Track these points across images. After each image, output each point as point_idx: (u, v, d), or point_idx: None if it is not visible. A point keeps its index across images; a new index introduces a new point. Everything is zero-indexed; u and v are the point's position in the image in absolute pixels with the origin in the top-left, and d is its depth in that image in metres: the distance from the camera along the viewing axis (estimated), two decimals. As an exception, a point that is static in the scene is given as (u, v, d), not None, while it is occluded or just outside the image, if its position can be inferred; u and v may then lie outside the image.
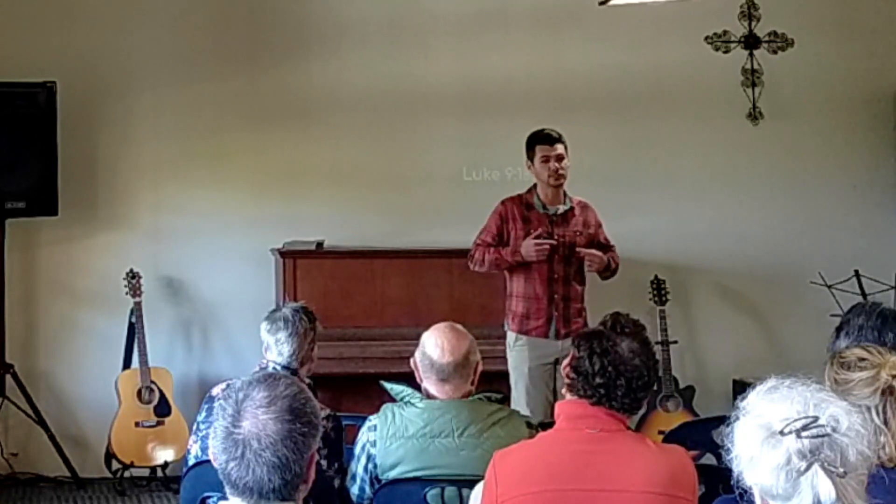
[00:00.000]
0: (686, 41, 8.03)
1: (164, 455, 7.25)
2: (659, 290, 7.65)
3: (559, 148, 6.46)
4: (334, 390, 6.58)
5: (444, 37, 7.88)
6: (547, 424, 3.91)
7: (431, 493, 3.91)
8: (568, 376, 3.38)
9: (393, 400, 4.15)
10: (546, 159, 6.44)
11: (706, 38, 8.07)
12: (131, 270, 7.38)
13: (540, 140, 6.50)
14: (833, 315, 6.72)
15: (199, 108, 7.71)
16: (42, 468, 7.43)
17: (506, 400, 4.20)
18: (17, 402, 7.27)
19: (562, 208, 6.52)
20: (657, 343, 7.55)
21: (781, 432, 2.18)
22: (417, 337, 4.24)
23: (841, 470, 2.15)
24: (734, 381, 7.63)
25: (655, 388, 7.53)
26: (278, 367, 4.36)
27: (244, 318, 7.23)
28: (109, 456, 7.30)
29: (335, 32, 7.80)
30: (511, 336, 6.49)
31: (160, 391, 7.30)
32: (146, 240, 7.67)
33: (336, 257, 7.51)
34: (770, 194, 8.08)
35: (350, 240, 7.67)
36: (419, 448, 3.99)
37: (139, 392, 7.28)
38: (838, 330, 3.67)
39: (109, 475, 7.34)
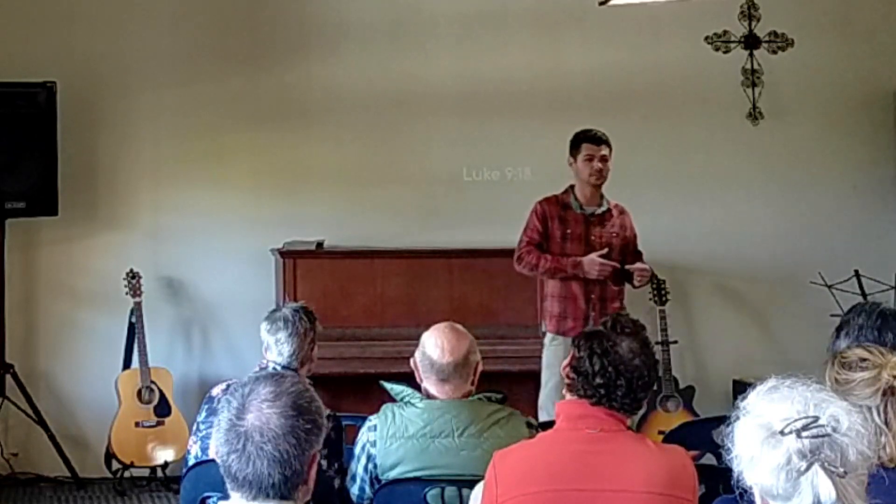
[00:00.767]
0: (686, 41, 8.03)
1: (164, 455, 7.26)
2: (659, 290, 7.65)
3: (604, 149, 6.51)
4: (334, 390, 6.57)
5: (444, 37, 7.88)
6: (547, 424, 3.91)
7: (431, 494, 3.91)
8: (568, 376, 3.38)
9: (393, 400, 4.15)
10: (590, 158, 6.47)
11: (706, 38, 8.08)
12: (131, 270, 7.38)
13: (588, 139, 6.53)
14: (833, 315, 6.72)
15: (198, 108, 7.71)
16: (42, 468, 7.43)
17: (506, 400, 4.19)
18: (17, 402, 7.27)
19: (599, 209, 6.53)
20: (657, 343, 7.55)
21: (782, 432, 2.18)
22: (417, 337, 4.24)
23: (841, 470, 2.15)
24: (734, 381, 7.63)
25: (655, 387, 7.54)
26: (278, 367, 4.36)
27: (244, 318, 7.23)
28: (109, 456, 7.30)
29: (335, 32, 7.81)
30: (548, 336, 6.50)
31: (160, 391, 7.30)
32: (146, 240, 7.67)
33: (336, 257, 7.51)
34: (770, 194, 8.09)
35: (350, 240, 7.67)
36: (419, 448, 3.99)
37: (139, 392, 7.28)
38: (838, 330, 3.67)
39: (109, 475, 7.34)
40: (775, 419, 2.20)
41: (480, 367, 4.21)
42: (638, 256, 6.63)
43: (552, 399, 6.25)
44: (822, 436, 2.16)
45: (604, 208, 6.56)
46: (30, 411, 7.26)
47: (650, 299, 7.68)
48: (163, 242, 7.69)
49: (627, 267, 6.44)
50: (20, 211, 7.21)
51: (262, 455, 2.45)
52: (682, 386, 7.62)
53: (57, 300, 7.61)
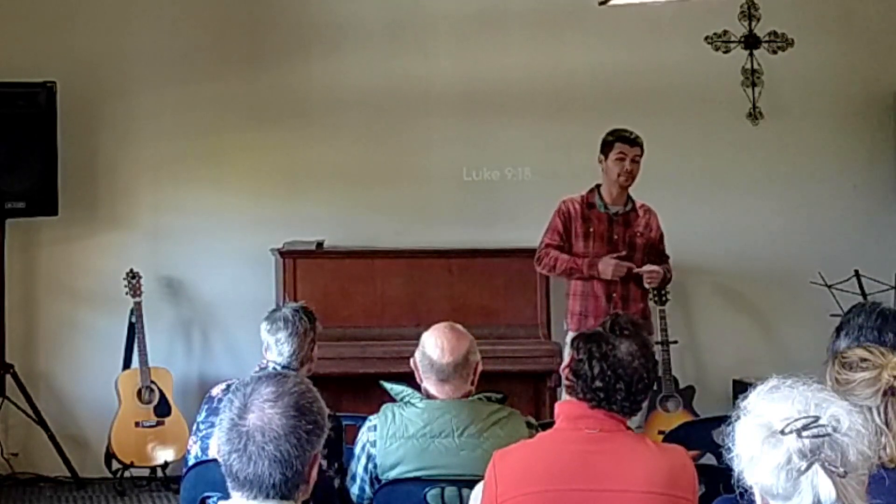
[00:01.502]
0: (686, 41, 8.03)
1: (164, 455, 7.25)
2: (659, 290, 7.64)
3: (637, 151, 6.51)
4: (334, 390, 6.56)
5: (444, 37, 7.88)
6: (547, 424, 3.91)
7: (431, 493, 3.91)
8: (567, 378, 3.38)
9: (393, 400, 4.15)
10: (622, 157, 6.48)
11: (706, 38, 8.08)
12: (131, 270, 7.38)
13: (621, 138, 6.53)
14: (833, 315, 6.72)
15: (199, 108, 7.71)
16: (42, 468, 7.43)
17: (506, 400, 4.19)
18: (17, 402, 7.27)
19: (624, 209, 6.53)
20: (657, 343, 7.55)
21: (782, 432, 2.18)
22: (417, 337, 4.25)
23: (841, 470, 2.15)
24: (734, 381, 7.63)
25: (655, 387, 7.55)
26: (278, 367, 4.35)
27: (244, 318, 7.22)
28: (109, 456, 7.30)
29: (335, 32, 7.80)
30: (570, 335, 6.50)
31: (160, 391, 7.30)
32: (146, 240, 7.67)
33: (336, 257, 7.51)
34: (770, 194, 8.08)
35: (350, 240, 7.67)
36: (419, 448, 3.99)
37: (139, 392, 7.28)
38: (838, 330, 3.67)
39: (109, 475, 7.33)
40: (776, 419, 2.20)
41: (480, 367, 4.21)
42: (663, 258, 6.63)
43: None
44: (823, 435, 2.16)
45: (629, 207, 6.56)
46: (30, 411, 7.26)
47: (650, 299, 7.68)
48: (163, 242, 7.69)
49: (636, 270, 6.44)
50: (20, 211, 7.21)
51: (264, 455, 2.45)
52: (682, 386, 7.62)
53: (57, 300, 7.61)
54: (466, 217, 7.76)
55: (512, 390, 6.44)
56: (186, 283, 7.71)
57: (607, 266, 6.38)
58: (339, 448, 4.27)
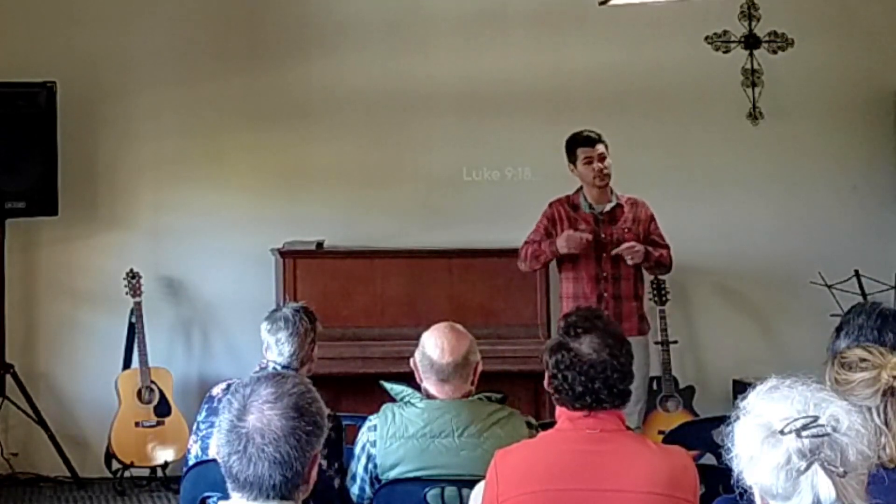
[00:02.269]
0: (686, 41, 8.03)
1: (164, 455, 7.26)
2: (659, 290, 7.65)
3: (600, 148, 6.50)
4: (334, 390, 6.57)
5: (444, 37, 7.88)
6: (547, 424, 3.91)
7: (431, 493, 3.91)
8: (552, 395, 3.39)
9: (393, 400, 4.15)
10: (589, 160, 6.47)
11: (706, 38, 8.08)
12: (131, 270, 7.38)
13: (580, 143, 6.52)
14: (833, 315, 6.72)
15: (199, 107, 7.71)
16: (42, 468, 7.43)
17: (506, 400, 4.19)
18: (17, 402, 7.27)
19: (608, 206, 6.53)
20: (657, 343, 7.55)
21: (781, 432, 2.18)
22: (417, 337, 4.24)
23: (841, 469, 2.15)
24: (734, 381, 7.63)
25: (655, 387, 7.56)
26: (278, 367, 4.35)
27: (244, 318, 7.23)
28: (109, 456, 7.30)
29: (335, 32, 7.80)
30: None
31: (160, 391, 7.30)
32: (146, 240, 7.67)
33: (336, 257, 7.51)
34: (770, 194, 8.08)
35: (350, 240, 7.67)
36: (419, 448, 3.99)
37: (139, 392, 7.28)
38: (838, 330, 3.67)
39: (109, 475, 7.33)
40: (775, 419, 2.20)
41: (480, 367, 4.21)
42: (660, 245, 6.56)
43: None
44: (822, 435, 2.16)
45: (612, 204, 6.55)
46: (30, 411, 7.26)
47: (650, 299, 7.68)
48: (163, 242, 7.69)
49: (614, 251, 6.42)
50: (20, 211, 7.22)
51: (264, 457, 2.45)
52: (682, 386, 7.62)
53: (57, 300, 7.61)
54: (466, 217, 7.76)
55: (512, 390, 6.44)
56: (186, 283, 7.71)
57: (569, 240, 6.36)
58: (339, 448, 4.27)
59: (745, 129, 8.10)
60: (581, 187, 6.58)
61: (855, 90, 8.16)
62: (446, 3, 7.89)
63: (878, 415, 2.78)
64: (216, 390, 4.37)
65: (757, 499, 2.25)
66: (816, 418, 2.18)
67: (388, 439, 4.00)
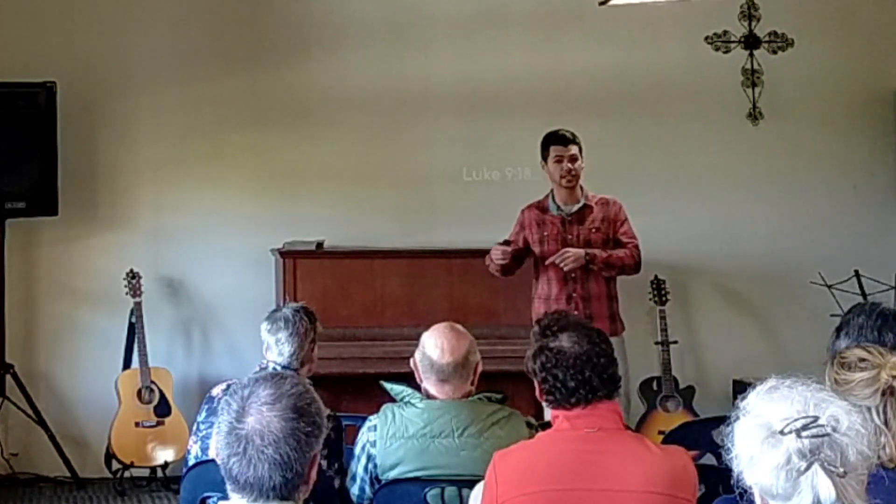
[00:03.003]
0: (686, 41, 8.03)
1: (164, 455, 7.26)
2: (659, 290, 7.65)
3: (573, 149, 6.50)
4: (334, 390, 6.57)
5: (444, 37, 7.88)
6: (547, 424, 3.91)
7: (431, 494, 3.91)
8: (546, 401, 3.40)
9: (393, 400, 4.15)
10: (559, 159, 6.49)
11: (706, 38, 8.07)
12: (131, 270, 7.38)
13: (554, 140, 6.54)
14: (833, 315, 6.72)
15: (198, 108, 7.71)
16: (42, 468, 7.43)
17: (506, 400, 4.19)
18: (17, 402, 7.27)
19: (574, 207, 6.53)
20: (657, 343, 7.56)
21: (781, 432, 2.18)
22: (417, 337, 4.25)
23: (841, 470, 2.15)
24: (734, 381, 7.63)
25: (655, 387, 7.56)
26: (278, 368, 4.35)
27: (244, 318, 7.23)
28: (109, 456, 7.30)
29: (335, 32, 7.80)
30: None
31: (160, 391, 7.30)
32: (146, 240, 7.67)
33: (336, 257, 7.51)
34: (770, 194, 8.08)
35: (350, 240, 7.67)
36: (419, 448, 3.99)
37: (139, 392, 7.28)
38: (838, 330, 3.67)
39: (109, 475, 7.33)
40: (775, 419, 2.20)
41: (480, 368, 4.21)
42: (625, 245, 6.53)
43: None
44: (822, 435, 2.16)
45: (580, 205, 6.55)
46: (30, 411, 7.26)
47: (650, 299, 7.68)
48: (163, 242, 7.69)
49: (548, 261, 6.44)
50: (20, 211, 7.21)
51: (263, 458, 2.44)
52: (682, 386, 7.61)
53: (57, 300, 7.61)
54: (466, 217, 7.75)
55: (512, 390, 6.43)
56: (186, 283, 7.71)
57: (494, 252, 6.47)
58: (339, 448, 4.27)
59: (745, 129, 8.10)
60: (551, 190, 6.60)
61: (855, 90, 8.16)
62: (446, 3, 7.89)
63: (878, 415, 2.78)
64: (216, 390, 4.37)
65: (757, 499, 2.25)
66: (816, 418, 2.18)
67: (388, 439, 4.00)
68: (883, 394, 2.80)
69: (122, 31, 7.62)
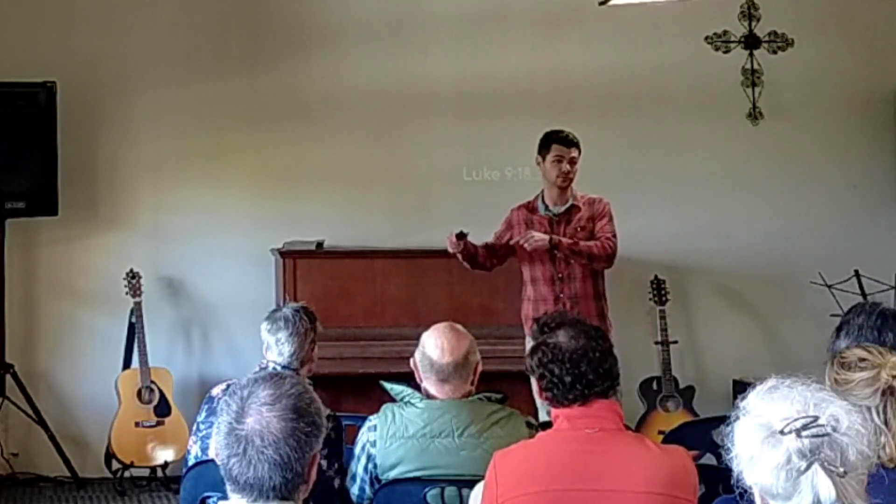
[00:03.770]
0: (686, 41, 8.03)
1: (164, 455, 7.26)
2: (659, 290, 7.65)
3: (574, 152, 6.53)
4: (334, 390, 6.57)
5: (444, 37, 7.88)
6: (547, 424, 3.91)
7: (431, 494, 3.91)
8: (545, 398, 3.40)
9: (393, 400, 4.15)
10: (559, 159, 6.50)
11: (706, 38, 8.08)
12: (131, 270, 7.38)
13: (558, 140, 6.55)
14: (833, 315, 6.72)
15: (199, 108, 7.71)
16: (42, 468, 7.43)
17: (506, 400, 4.19)
18: (17, 402, 7.27)
19: (563, 208, 6.55)
20: (657, 343, 7.56)
21: (781, 432, 2.18)
22: (417, 337, 4.24)
23: (841, 469, 2.15)
24: (734, 381, 7.63)
25: (655, 387, 7.56)
26: (279, 367, 4.35)
27: (244, 318, 7.23)
28: (109, 456, 7.30)
29: (335, 32, 7.81)
30: (528, 339, 6.49)
31: (160, 391, 7.30)
32: (146, 240, 7.67)
33: (336, 257, 7.51)
34: (770, 194, 8.08)
35: (350, 240, 7.67)
36: (419, 448, 3.99)
37: (139, 392, 7.28)
38: (838, 330, 3.67)
39: (109, 475, 7.34)
40: (775, 419, 2.20)
41: (480, 367, 4.21)
42: (595, 237, 6.52)
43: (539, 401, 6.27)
44: (822, 435, 2.16)
45: (568, 205, 6.57)
46: (30, 411, 7.26)
47: (650, 299, 7.68)
48: (163, 242, 7.69)
49: (513, 241, 6.49)
50: (20, 211, 7.22)
51: (263, 459, 2.44)
52: (682, 386, 7.62)
53: (57, 300, 7.61)
54: (466, 217, 7.73)
55: (512, 390, 6.44)
56: (186, 283, 7.71)
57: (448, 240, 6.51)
58: (339, 448, 4.27)
59: (745, 129, 8.10)
60: (542, 191, 6.61)
61: (855, 90, 8.16)
62: (446, 3, 7.90)
63: (878, 414, 2.79)
64: (216, 390, 4.37)
65: (757, 499, 2.25)
66: (816, 418, 2.18)
67: (388, 439, 4.00)
68: (883, 394, 2.80)
69: (122, 31, 7.62)
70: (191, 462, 4.32)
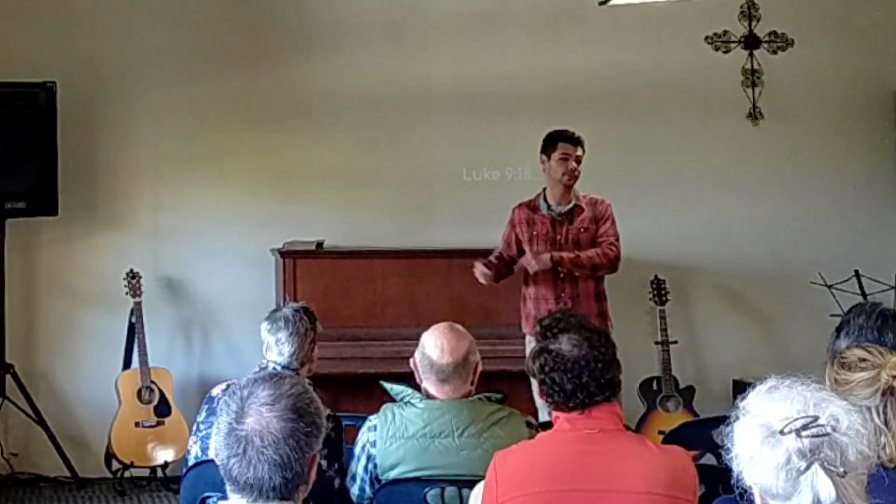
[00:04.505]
0: (686, 41, 8.03)
1: (164, 455, 7.26)
2: (659, 290, 7.65)
3: (579, 150, 6.55)
4: (334, 390, 6.57)
5: (444, 37, 7.88)
6: (547, 424, 3.91)
7: (431, 494, 3.91)
8: (546, 401, 3.40)
9: (393, 400, 4.15)
10: (566, 157, 6.51)
11: (706, 38, 8.08)
12: (131, 270, 7.38)
13: (564, 138, 6.56)
14: (833, 315, 6.72)
15: (199, 108, 7.71)
16: (42, 468, 7.43)
17: (506, 400, 4.19)
18: (17, 402, 7.27)
19: (565, 207, 6.55)
20: (657, 343, 7.56)
21: (781, 432, 2.18)
22: (417, 337, 4.24)
23: (841, 469, 2.15)
24: (734, 381, 7.63)
25: (655, 387, 7.56)
26: (279, 367, 4.35)
27: (244, 318, 7.23)
28: (109, 456, 7.30)
29: (335, 32, 7.81)
30: (528, 338, 6.51)
31: (160, 391, 7.30)
32: (146, 240, 7.67)
33: (336, 257, 7.51)
34: (770, 194, 8.08)
35: (350, 240, 7.67)
36: (419, 448, 3.99)
37: (139, 392, 7.28)
38: (838, 330, 3.67)
39: (109, 475, 7.34)
40: (775, 419, 2.20)
41: (480, 368, 4.21)
42: (599, 244, 6.52)
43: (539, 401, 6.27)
44: (822, 435, 2.16)
45: (571, 205, 6.57)
46: (30, 411, 7.26)
47: (650, 299, 7.69)
48: (163, 242, 7.69)
49: (515, 267, 6.55)
50: (20, 211, 7.22)
51: (263, 459, 2.44)
52: (682, 386, 7.62)
53: (57, 300, 7.61)
54: (466, 217, 7.75)
55: (512, 390, 6.43)
56: (186, 283, 7.71)
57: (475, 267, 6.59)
58: (339, 448, 4.27)
59: (745, 129, 8.10)
60: (544, 190, 6.61)
61: (855, 90, 8.16)
62: (446, 3, 7.90)
63: (878, 414, 2.79)
64: (216, 390, 4.37)
65: (757, 499, 2.25)
66: (816, 418, 2.18)
67: (387, 439, 4.00)
68: (883, 394, 2.80)
69: (122, 31, 7.62)
70: (191, 462, 4.32)
